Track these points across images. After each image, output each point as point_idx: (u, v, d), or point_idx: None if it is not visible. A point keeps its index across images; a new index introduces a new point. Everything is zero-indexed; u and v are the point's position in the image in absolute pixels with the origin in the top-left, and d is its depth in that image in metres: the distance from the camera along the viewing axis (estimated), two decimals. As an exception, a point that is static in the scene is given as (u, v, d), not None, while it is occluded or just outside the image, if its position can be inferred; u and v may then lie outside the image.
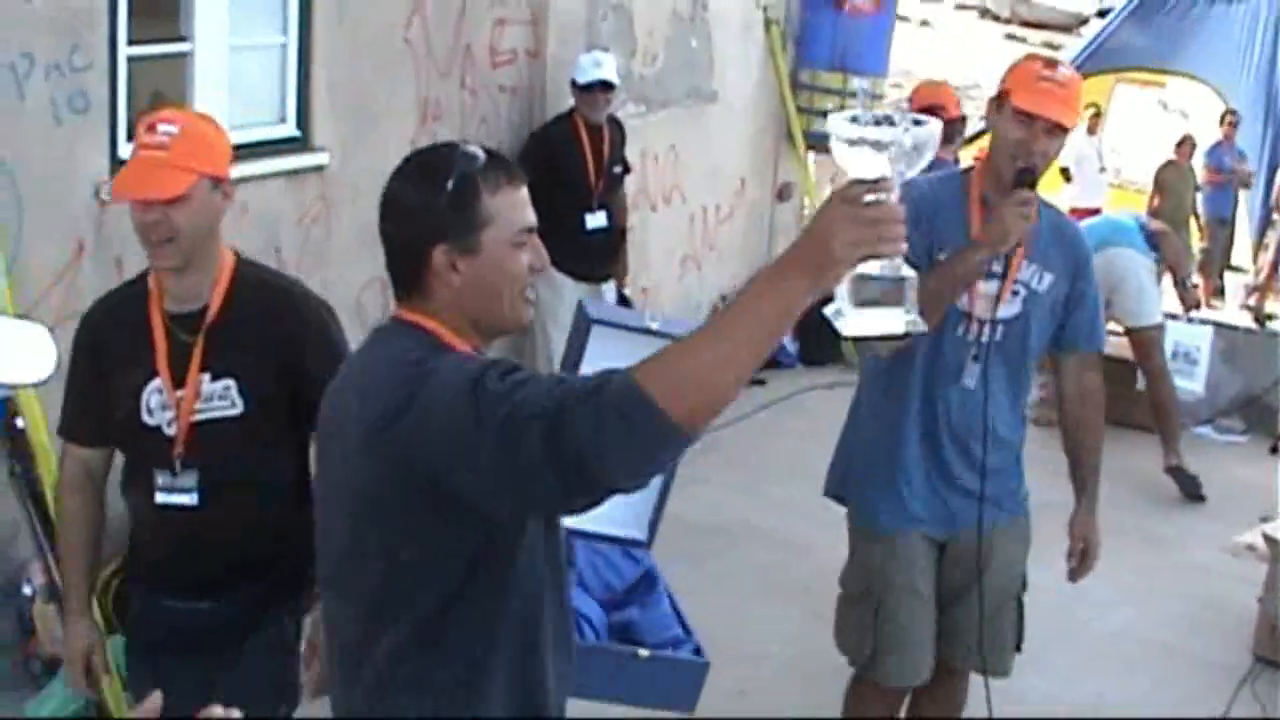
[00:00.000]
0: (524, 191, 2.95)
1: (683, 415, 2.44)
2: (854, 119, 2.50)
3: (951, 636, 4.92)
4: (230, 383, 3.87)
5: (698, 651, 5.51)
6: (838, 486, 5.05)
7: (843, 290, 2.54)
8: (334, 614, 3.06)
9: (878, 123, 2.50)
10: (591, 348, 4.95)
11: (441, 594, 2.84)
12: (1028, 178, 4.50)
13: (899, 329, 2.57)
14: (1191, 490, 9.43)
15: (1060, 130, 4.54)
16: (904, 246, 2.46)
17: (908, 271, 2.54)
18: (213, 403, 3.87)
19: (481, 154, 2.92)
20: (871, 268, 2.51)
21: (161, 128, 3.78)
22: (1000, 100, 4.62)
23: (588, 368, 4.78)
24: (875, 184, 2.46)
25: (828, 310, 2.59)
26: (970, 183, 4.72)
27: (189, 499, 3.88)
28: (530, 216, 2.95)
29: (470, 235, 2.87)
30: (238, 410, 3.87)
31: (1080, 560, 5.02)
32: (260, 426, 3.90)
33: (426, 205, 2.87)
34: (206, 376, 3.87)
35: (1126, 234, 9.67)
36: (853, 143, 2.49)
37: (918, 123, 2.48)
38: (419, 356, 2.80)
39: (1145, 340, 9.74)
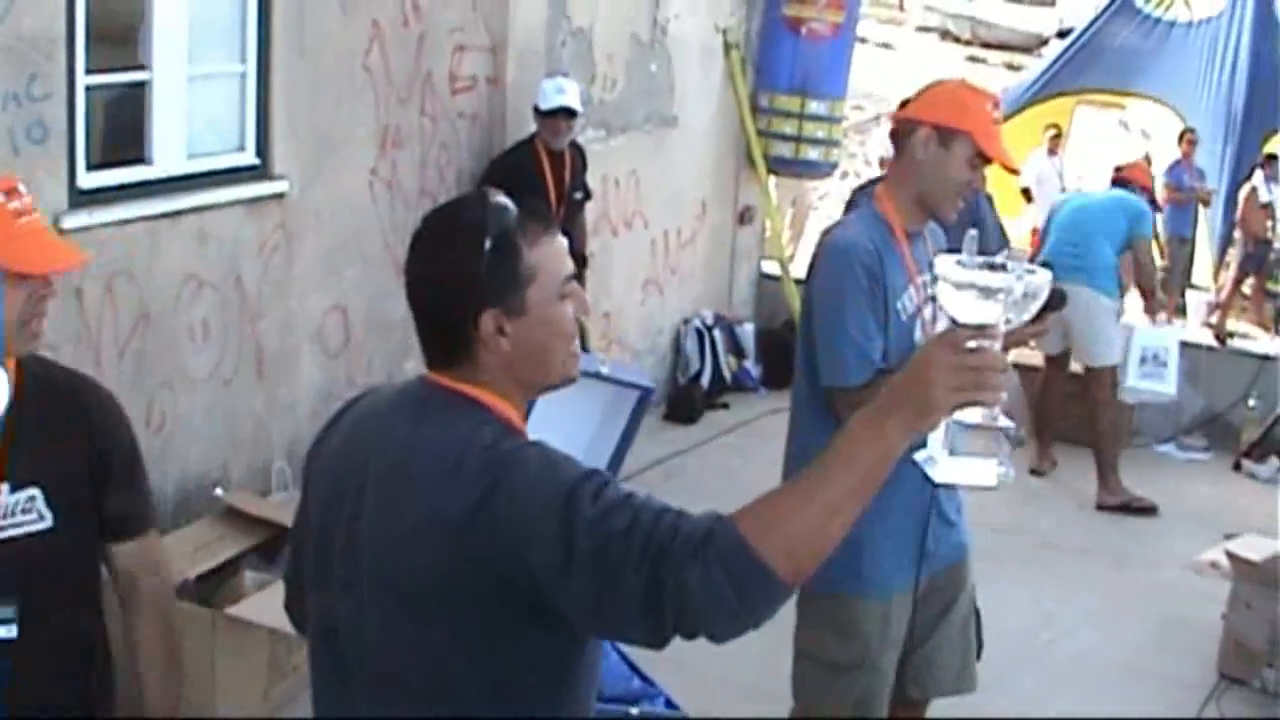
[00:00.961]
0: (560, 239, 2.76)
1: (791, 573, 2.38)
2: (961, 262, 2.43)
3: (927, 668, 4.74)
4: (35, 493, 3.36)
5: (669, 703, 5.54)
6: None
7: (937, 436, 2.50)
8: (364, 708, 2.74)
9: (987, 267, 2.42)
10: None
11: (511, 687, 2.62)
12: (1060, 304, 4.17)
13: (990, 481, 2.52)
14: (1139, 507, 9.44)
15: None
16: (1004, 396, 2.40)
17: (1004, 422, 2.49)
18: (16, 518, 3.34)
19: (511, 204, 2.71)
20: (968, 415, 2.46)
21: (21, 189, 3.32)
22: (945, 134, 4.36)
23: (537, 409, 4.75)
24: (980, 330, 2.39)
25: (918, 456, 2.54)
26: (890, 220, 4.45)
27: (6, 631, 3.34)
28: (570, 264, 2.77)
29: (515, 295, 2.65)
30: (47, 523, 3.37)
31: None
32: (75, 539, 3.43)
33: (465, 271, 2.64)
34: (5, 488, 3.33)
35: (1098, 274, 9.53)
36: (960, 286, 2.42)
37: (1031, 270, 2.41)
38: (490, 439, 2.59)
39: (1097, 375, 9.76)
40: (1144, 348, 10.10)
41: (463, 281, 2.64)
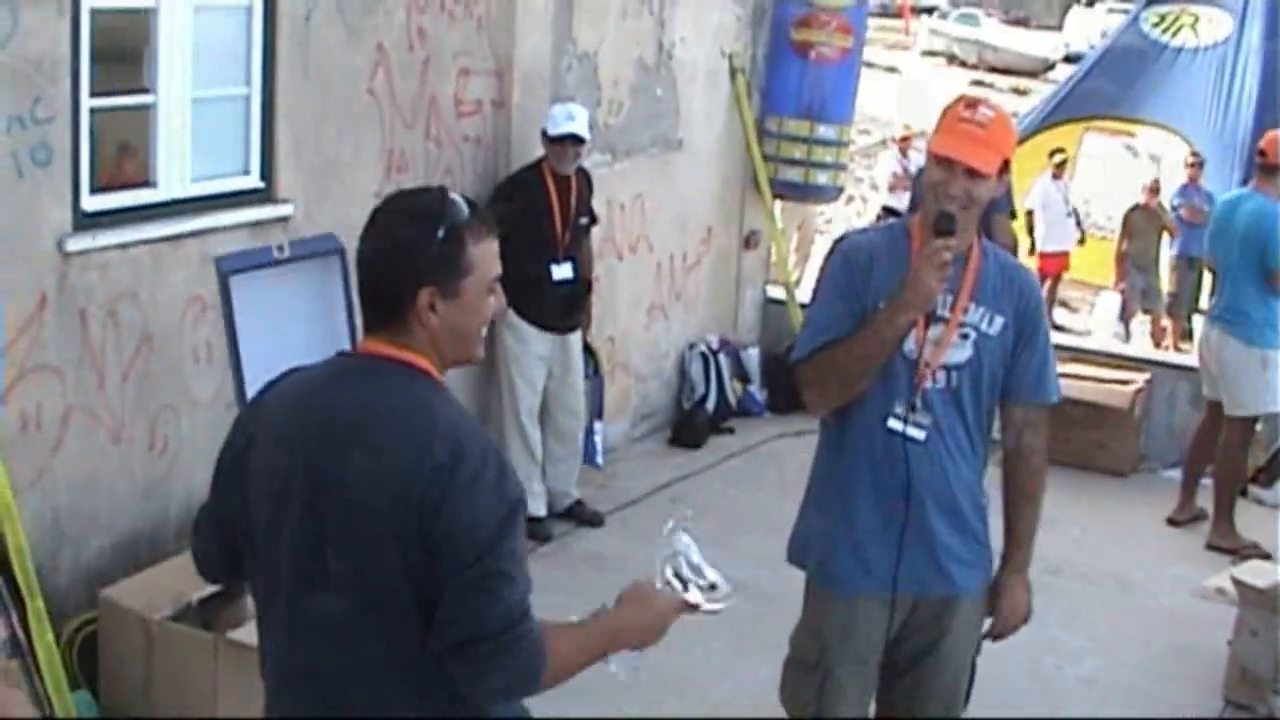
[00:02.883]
0: (496, 242, 3.19)
1: (542, 688, 3.13)
2: (678, 573, 3.54)
3: (908, 700, 4.77)
4: None
5: None
6: (799, 552, 4.82)
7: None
8: (315, 653, 3.15)
9: (701, 577, 3.56)
10: (238, 295, 5.56)
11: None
12: (945, 225, 4.31)
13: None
14: (1247, 554, 8.85)
15: (981, 174, 4.37)
16: (659, 640, 3.39)
17: (639, 661, 3.39)
18: None
19: (465, 204, 3.15)
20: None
21: None
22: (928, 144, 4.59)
23: (244, 318, 5.69)
24: (689, 608, 3.48)
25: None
26: (912, 230, 4.55)
27: None
28: (499, 266, 3.20)
29: (454, 281, 3.10)
30: None
31: (1002, 628, 4.82)
32: None
33: (418, 248, 3.08)
34: None
35: (1247, 325, 8.98)
36: (667, 581, 3.50)
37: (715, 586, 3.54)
38: (449, 414, 3.12)
39: (1231, 422, 9.28)
40: None
41: (411, 258, 3.09)
